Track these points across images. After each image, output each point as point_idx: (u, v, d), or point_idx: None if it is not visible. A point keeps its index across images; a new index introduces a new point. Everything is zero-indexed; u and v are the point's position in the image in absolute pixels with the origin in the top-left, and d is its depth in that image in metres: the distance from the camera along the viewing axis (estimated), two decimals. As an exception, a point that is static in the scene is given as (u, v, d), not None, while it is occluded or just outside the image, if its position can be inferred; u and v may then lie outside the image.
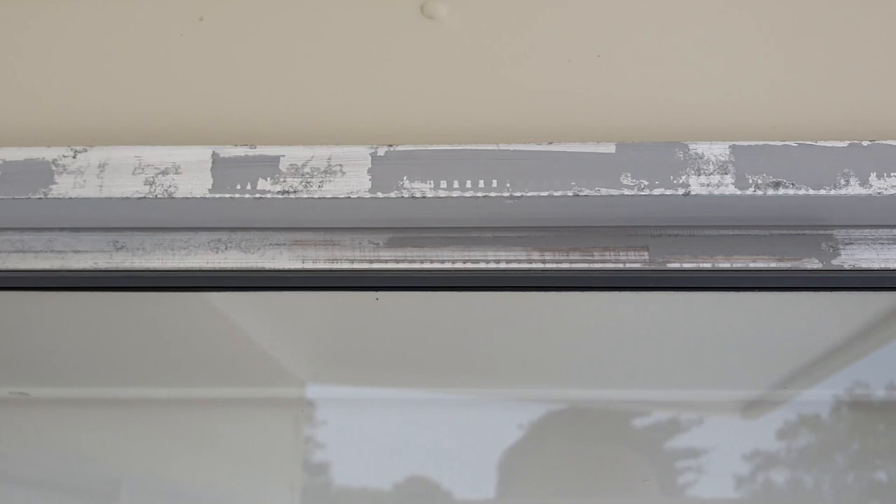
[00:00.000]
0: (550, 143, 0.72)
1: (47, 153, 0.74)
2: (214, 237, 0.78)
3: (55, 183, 0.73)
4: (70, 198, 0.73)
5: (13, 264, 0.78)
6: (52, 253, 0.79)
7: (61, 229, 0.79)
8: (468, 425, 1.25)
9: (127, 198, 0.72)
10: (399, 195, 0.71)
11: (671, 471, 1.22)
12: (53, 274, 0.79)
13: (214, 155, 0.73)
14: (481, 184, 0.71)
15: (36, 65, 0.81)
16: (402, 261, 0.77)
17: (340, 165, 0.72)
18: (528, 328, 1.01)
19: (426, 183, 0.71)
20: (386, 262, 0.77)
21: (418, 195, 0.71)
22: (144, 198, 0.72)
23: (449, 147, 0.72)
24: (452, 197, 0.71)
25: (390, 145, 0.72)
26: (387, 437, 1.25)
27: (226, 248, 0.78)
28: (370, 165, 0.72)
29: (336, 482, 1.27)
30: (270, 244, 0.78)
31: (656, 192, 0.71)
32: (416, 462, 1.25)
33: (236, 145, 0.73)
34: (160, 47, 0.80)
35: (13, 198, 0.73)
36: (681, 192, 0.71)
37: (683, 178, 0.71)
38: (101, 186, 0.73)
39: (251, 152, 0.73)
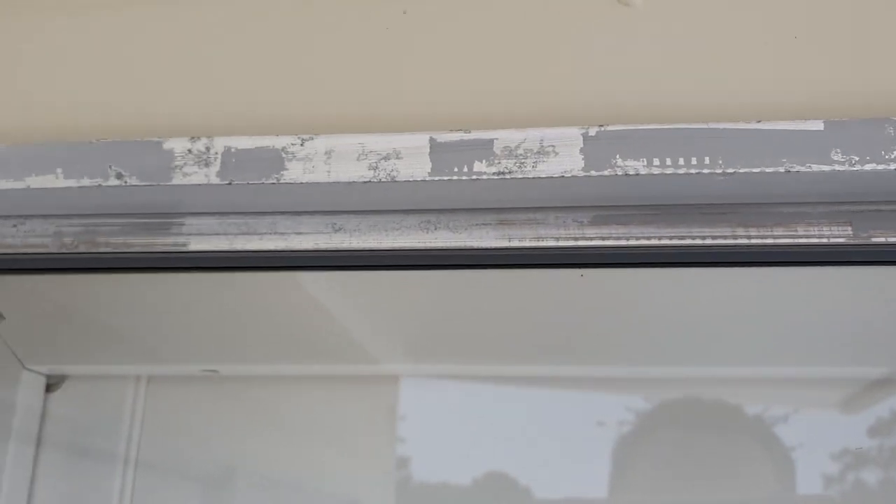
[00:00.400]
0: (759, 121, 0.74)
1: (276, 141, 0.79)
2: (424, 218, 0.83)
3: (286, 169, 0.79)
4: (301, 182, 0.78)
5: (241, 245, 0.85)
6: (275, 235, 0.84)
7: (283, 213, 0.84)
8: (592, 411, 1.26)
9: (353, 182, 0.77)
10: (612, 173, 0.74)
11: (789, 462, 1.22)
12: (277, 254, 0.84)
13: (432, 140, 0.77)
14: (694, 161, 0.73)
15: (262, 60, 0.86)
16: (608, 238, 0.80)
17: (553, 146, 0.75)
18: (715, 304, 1.03)
19: (639, 161, 0.74)
20: (591, 239, 0.80)
21: (631, 172, 0.74)
22: (369, 182, 0.77)
23: (659, 126, 0.75)
24: (666, 174, 0.74)
25: (601, 125, 0.75)
26: (495, 423, 1.27)
27: (435, 229, 0.82)
28: (582, 145, 0.75)
29: (434, 468, 1.28)
30: (477, 224, 0.82)
31: (867, 167, 0.72)
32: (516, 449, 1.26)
33: (451, 131, 0.77)
34: (370, 41, 0.85)
35: (247, 183, 0.79)
36: (892, 167, 0.72)
37: (895, 153, 0.72)
38: (328, 172, 0.78)
39: (466, 137, 0.77)
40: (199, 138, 0.80)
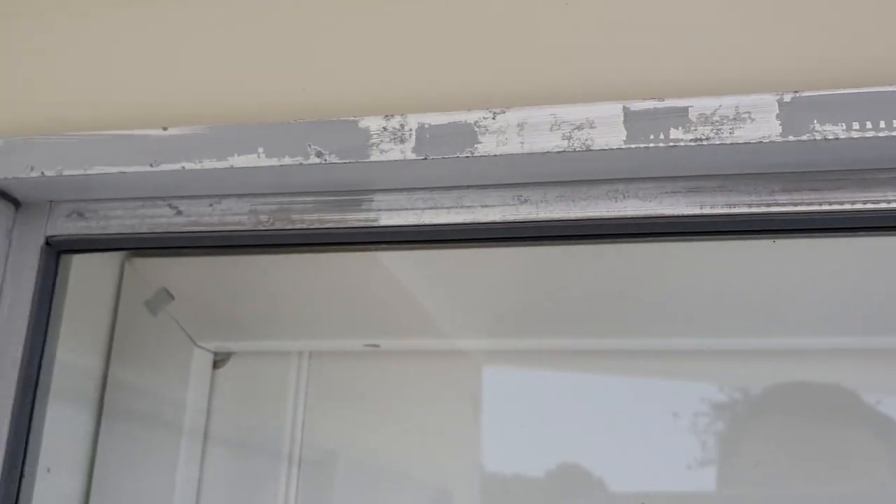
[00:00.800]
0: (962, 80, 0.74)
1: (468, 116, 0.82)
2: (612, 188, 0.84)
3: (479, 142, 0.81)
4: (495, 155, 0.81)
5: (429, 219, 0.88)
6: (462, 208, 0.87)
7: (469, 187, 0.87)
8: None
9: (547, 152, 0.80)
10: (810, 138, 0.75)
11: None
12: (463, 227, 0.87)
13: (625, 109, 0.79)
14: (895, 123, 0.73)
15: (447, 36, 0.89)
16: (800, 204, 0.80)
17: (749, 113, 0.76)
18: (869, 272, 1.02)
19: (837, 125, 0.74)
20: (783, 205, 0.80)
21: (830, 137, 0.74)
22: (564, 151, 0.79)
23: (854, 90, 0.75)
24: (866, 137, 0.74)
25: (795, 91, 0.76)
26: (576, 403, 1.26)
27: (623, 198, 0.84)
28: (777, 111, 0.76)
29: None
30: (666, 192, 0.83)
31: None
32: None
33: (644, 99, 0.79)
34: (554, 14, 0.87)
35: (442, 157, 0.82)
36: None
37: None
38: (521, 143, 0.80)
39: (660, 105, 0.78)
40: (392, 116, 0.83)
